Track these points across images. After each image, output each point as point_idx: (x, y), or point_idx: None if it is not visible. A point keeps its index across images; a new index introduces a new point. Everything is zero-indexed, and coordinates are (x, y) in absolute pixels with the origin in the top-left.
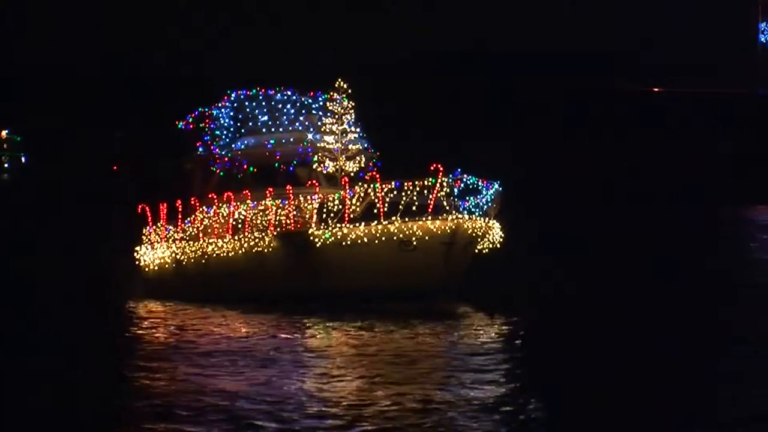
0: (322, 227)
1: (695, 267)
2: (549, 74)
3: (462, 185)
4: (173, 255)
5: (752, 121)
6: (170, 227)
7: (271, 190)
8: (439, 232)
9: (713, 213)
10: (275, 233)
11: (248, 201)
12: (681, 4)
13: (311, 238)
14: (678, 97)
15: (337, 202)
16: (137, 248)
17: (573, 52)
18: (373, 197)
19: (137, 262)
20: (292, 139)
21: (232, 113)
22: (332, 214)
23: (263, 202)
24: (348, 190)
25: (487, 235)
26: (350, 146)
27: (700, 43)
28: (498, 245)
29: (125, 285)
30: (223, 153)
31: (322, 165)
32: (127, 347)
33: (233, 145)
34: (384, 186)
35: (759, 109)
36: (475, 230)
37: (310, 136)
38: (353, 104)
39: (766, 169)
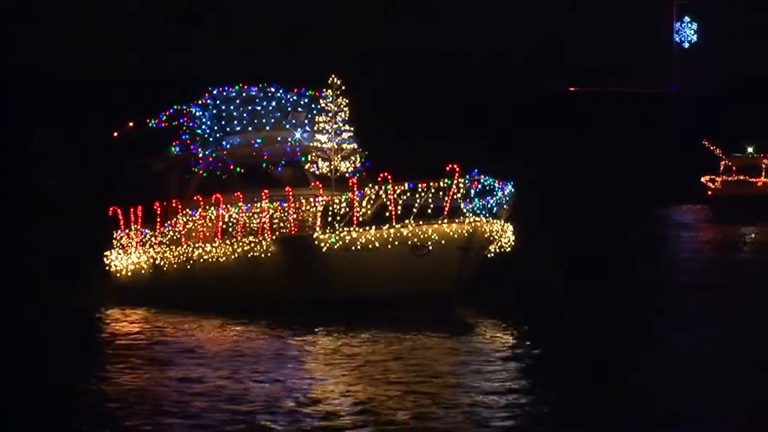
0: (327, 231)
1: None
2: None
3: (479, 186)
4: (151, 260)
5: (666, 120)
6: (146, 231)
7: (266, 191)
8: (455, 236)
9: (634, 213)
10: (274, 237)
11: (240, 203)
12: (597, 4)
13: (316, 242)
14: (593, 96)
15: (344, 204)
16: (107, 253)
17: (495, 52)
18: (384, 199)
19: (107, 268)
20: (279, 138)
21: (215, 111)
22: (338, 218)
23: (258, 205)
24: (357, 192)
25: (500, 239)
26: (344, 145)
27: (615, 42)
28: (508, 249)
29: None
30: (207, 153)
31: (312, 165)
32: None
33: (218, 145)
34: (397, 187)
35: (673, 107)
36: (492, 234)
37: (298, 134)
38: (347, 101)
39: (680, 167)
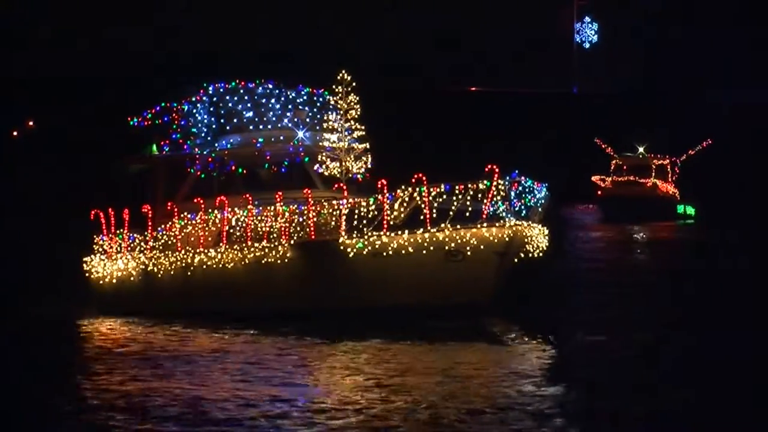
0: (354, 236)
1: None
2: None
3: (519, 188)
4: (141, 266)
5: (566, 120)
6: (134, 235)
7: (280, 194)
8: (495, 240)
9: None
10: (292, 242)
11: (250, 206)
12: (499, 4)
13: (341, 248)
14: (495, 96)
15: (372, 207)
16: (87, 259)
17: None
18: (418, 202)
19: (88, 275)
20: (282, 137)
21: (212, 108)
22: (365, 221)
23: (272, 207)
24: (388, 194)
25: (536, 243)
26: (355, 145)
27: (516, 42)
28: (541, 254)
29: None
30: (205, 153)
31: (320, 165)
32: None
33: (216, 144)
34: (432, 189)
35: (574, 107)
36: (531, 238)
37: (300, 134)
38: (358, 98)
39: (578, 167)
